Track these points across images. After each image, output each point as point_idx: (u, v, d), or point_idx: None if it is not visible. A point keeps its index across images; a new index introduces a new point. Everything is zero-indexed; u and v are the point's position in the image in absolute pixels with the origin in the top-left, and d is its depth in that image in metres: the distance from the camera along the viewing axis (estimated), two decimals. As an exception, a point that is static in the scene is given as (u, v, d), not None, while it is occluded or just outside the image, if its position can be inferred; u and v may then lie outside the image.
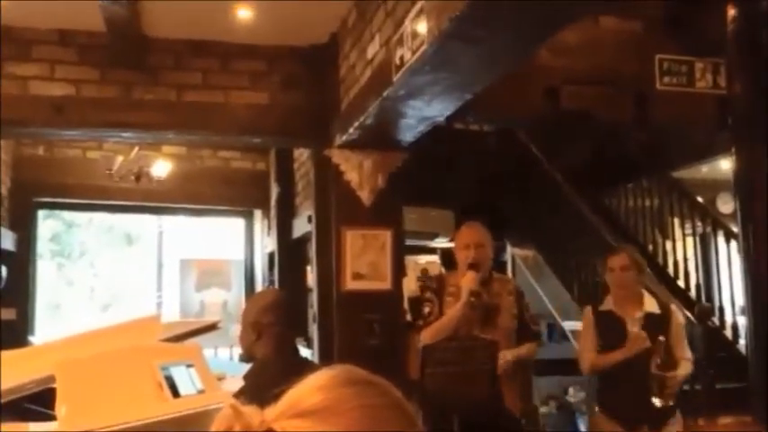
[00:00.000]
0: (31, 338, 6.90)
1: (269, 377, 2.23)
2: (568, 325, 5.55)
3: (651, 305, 3.53)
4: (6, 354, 3.82)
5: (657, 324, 3.40)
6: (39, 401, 3.19)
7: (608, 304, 3.60)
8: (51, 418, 3.02)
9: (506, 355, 3.39)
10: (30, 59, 4.33)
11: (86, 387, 3.04)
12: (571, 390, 6.48)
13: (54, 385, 3.03)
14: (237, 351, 8.07)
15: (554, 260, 5.89)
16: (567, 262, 5.76)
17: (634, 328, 3.39)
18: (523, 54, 2.82)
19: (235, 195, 7.70)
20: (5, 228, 6.53)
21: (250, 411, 0.87)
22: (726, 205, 7.21)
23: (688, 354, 3.52)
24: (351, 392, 0.86)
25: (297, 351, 2.63)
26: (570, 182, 5.85)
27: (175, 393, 3.31)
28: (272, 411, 0.86)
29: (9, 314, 6.56)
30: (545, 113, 3.97)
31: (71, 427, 2.85)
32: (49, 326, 9.61)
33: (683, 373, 3.40)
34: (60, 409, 2.93)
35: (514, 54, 2.76)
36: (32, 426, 2.98)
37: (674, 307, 3.65)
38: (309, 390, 0.87)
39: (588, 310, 3.69)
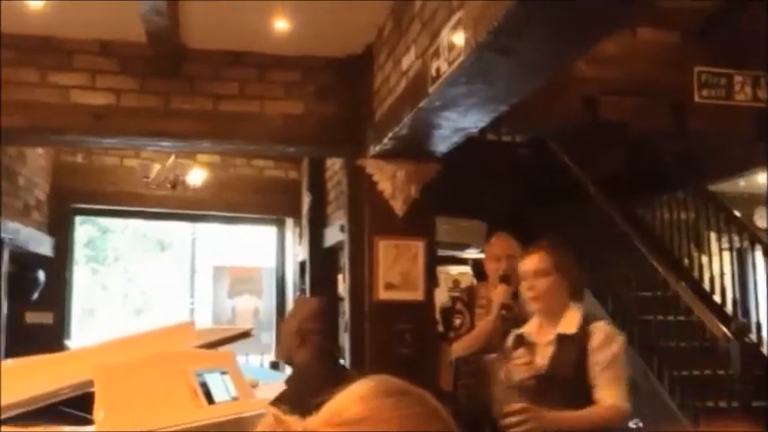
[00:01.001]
0: (67, 342, 7.03)
1: (310, 384, 2.25)
2: (601, 339, 5.48)
3: (572, 322, 2.56)
4: (44, 358, 3.90)
5: (570, 349, 2.51)
6: (76, 405, 3.24)
7: (529, 325, 2.75)
8: (88, 421, 3.07)
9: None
10: (71, 69, 4.42)
11: (124, 392, 3.09)
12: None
13: (91, 389, 3.08)
14: (269, 358, 8.13)
15: (587, 272, 5.81)
16: (600, 275, 5.69)
17: (545, 352, 2.55)
18: (561, 66, 2.82)
19: (267, 204, 7.77)
20: (43, 233, 6.66)
21: (291, 420, 0.88)
22: (762, 220, 7.08)
23: (618, 398, 2.45)
24: (389, 403, 0.87)
25: (337, 359, 2.65)
26: (603, 193, 5.78)
27: (210, 400, 3.35)
28: (313, 420, 0.88)
29: (46, 318, 6.69)
30: (582, 124, 3.95)
31: (108, 431, 2.90)
32: (84, 330, 9.75)
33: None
34: (98, 413, 2.98)
35: (552, 66, 2.75)
36: (67, 429, 3.03)
37: (599, 325, 2.54)
38: (349, 400, 0.88)
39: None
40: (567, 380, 2.48)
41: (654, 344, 4.99)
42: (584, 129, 4.35)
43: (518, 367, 2.57)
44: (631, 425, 5.14)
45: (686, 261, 6.04)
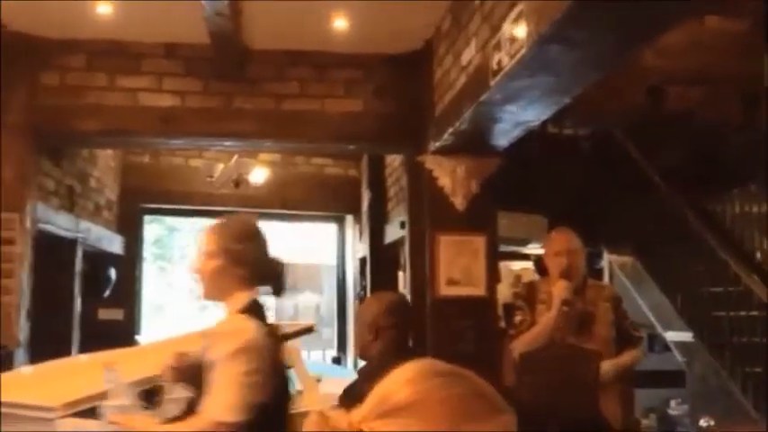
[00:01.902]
0: (137, 338, 7.25)
1: (383, 377, 2.27)
2: (670, 336, 5.35)
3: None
4: (117, 352, 4.03)
5: None
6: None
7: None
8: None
9: (608, 372, 3.29)
10: (139, 72, 4.56)
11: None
12: (673, 403, 6.23)
13: (161, 383, 3.16)
14: (330, 354, 8.22)
15: (654, 268, 5.68)
16: (668, 270, 5.55)
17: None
18: (626, 57, 2.75)
19: (327, 201, 7.84)
20: (114, 232, 6.89)
21: (337, 415, 0.89)
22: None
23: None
24: (438, 383, 0.88)
25: (412, 354, 2.66)
26: (671, 186, 5.63)
27: (275, 394, 3.40)
28: (358, 413, 0.89)
29: (117, 314, 6.91)
30: (647, 115, 3.84)
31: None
32: (152, 325, 10.05)
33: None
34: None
35: (616, 56, 2.69)
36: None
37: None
38: (397, 385, 0.89)
39: None
40: None
41: (725, 340, 4.83)
42: (648, 120, 4.23)
43: None
44: (702, 423, 5.01)
45: (758, 255, 5.83)
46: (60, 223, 5.33)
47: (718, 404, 4.85)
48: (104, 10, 4.15)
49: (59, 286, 5.56)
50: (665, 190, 5.61)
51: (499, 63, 2.98)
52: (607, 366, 3.30)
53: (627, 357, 3.40)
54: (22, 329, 4.39)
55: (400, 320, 2.56)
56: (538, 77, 2.93)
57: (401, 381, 0.89)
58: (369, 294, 6.56)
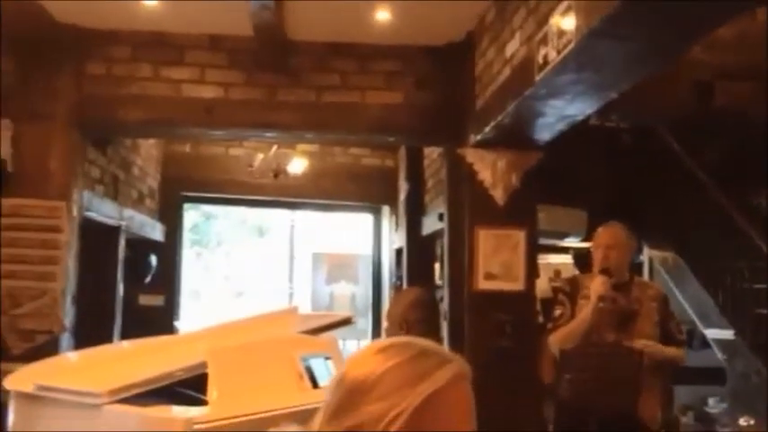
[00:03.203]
0: (176, 323, 7.38)
1: None
2: (711, 333, 5.27)
3: None
4: (159, 339, 4.11)
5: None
6: (191, 387, 3.39)
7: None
8: (202, 402, 3.21)
9: (653, 346, 3.26)
10: (182, 63, 4.62)
11: (235, 374, 3.21)
12: (711, 401, 6.14)
13: (205, 371, 3.22)
14: (365, 344, 8.25)
15: (696, 263, 5.59)
16: (710, 265, 5.45)
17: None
18: (676, 53, 2.70)
19: (364, 191, 7.85)
20: (155, 219, 7.00)
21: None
22: None
23: None
24: (380, 359, 0.92)
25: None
26: (714, 180, 5.52)
27: (315, 384, 3.44)
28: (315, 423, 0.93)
29: (158, 300, 7.04)
30: (694, 110, 3.76)
31: (222, 411, 3.03)
32: (190, 311, 10.21)
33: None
34: (212, 393, 3.11)
35: (666, 53, 2.65)
36: (176, 409, 3.16)
37: None
38: (341, 381, 0.94)
39: None
40: None
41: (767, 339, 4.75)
42: (695, 115, 4.14)
43: None
44: (742, 422, 4.94)
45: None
46: (105, 211, 5.43)
47: (760, 403, 4.77)
48: (150, 2, 4.20)
49: (103, 273, 5.68)
50: (707, 185, 5.51)
51: (545, 57, 2.95)
52: (653, 348, 3.25)
53: (670, 351, 3.35)
54: (68, 315, 4.49)
55: (428, 315, 2.58)
56: (585, 73, 2.89)
57: (347, 376, 0.93)
58: (405, 285, 6.58)
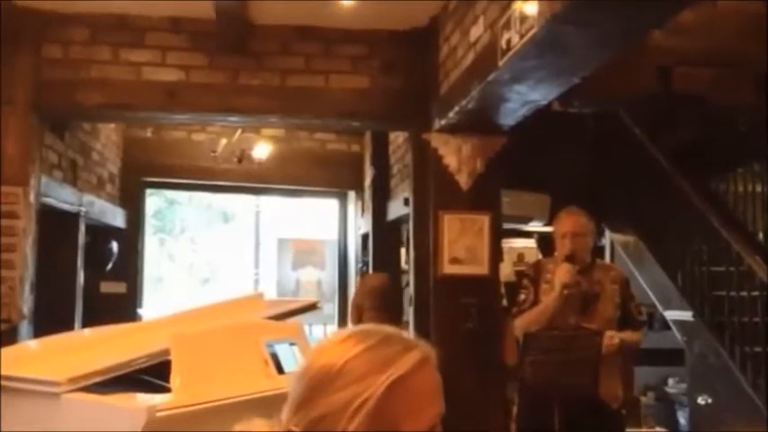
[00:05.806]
0: (139, 311, 7.29)
1: None
2: (670, 314, 5.38)
3: None
4: (121, 327, 4.06)
5: None
6: (153, 374, 3.36)
7: None
8: (165, 389, 3.18)
9: (614, 337, 3.31)
10: (143, 46, 4.52)
11: (199, 360, 3.19)
12: (671, 381, 6.29)
13: (168, 358, 3.18)
14: (331, 329, 8.26)
15: (656, 247, 5.69)
16: (670, 249, 5.56)
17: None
18: (638, 37, 2.73)
19: (329, 177, 7.82)
20: (116, 205, 6.89)
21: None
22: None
23: None
24: (345, 347, 0.92)
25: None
26: (675, 165, 5.61)
27: (280, 370, 3.43)
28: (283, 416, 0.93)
29: (119, 288, 6.94)
30: (655, 95, 3.82)
31: (185, 398, 3.00)
32: (153, 299, 10.09)
33: None
34: (175, 380, 3.08)
35: (628, 37, 2.67)
36: (139, 397, 3.13)
37: None
38: (315, 356, 0.96)
39: None
40: None
41: (725, 320, 4.86)
42: (656, 100, 4.19)
43: None
44: (700, 401, 5.06)
45: (761, 235, 5.83)
46: (63, 197, 5.32)
47: (717, 383, 4.89)
48: (108, -17, 4.10)
49: (62, 260, 5.57)
50: (668, 169, 5.60)
51: (508, 42, 2.96)
52: (615, 339, 3.31)
53: (628, 335, 3.42)
54: (26, 303, 4.40)
55: (381, 303, 2.60)
56: (548, 57, 2.91)
57: (310, 367, 0.93)
58: (371, 270, 6.58)
